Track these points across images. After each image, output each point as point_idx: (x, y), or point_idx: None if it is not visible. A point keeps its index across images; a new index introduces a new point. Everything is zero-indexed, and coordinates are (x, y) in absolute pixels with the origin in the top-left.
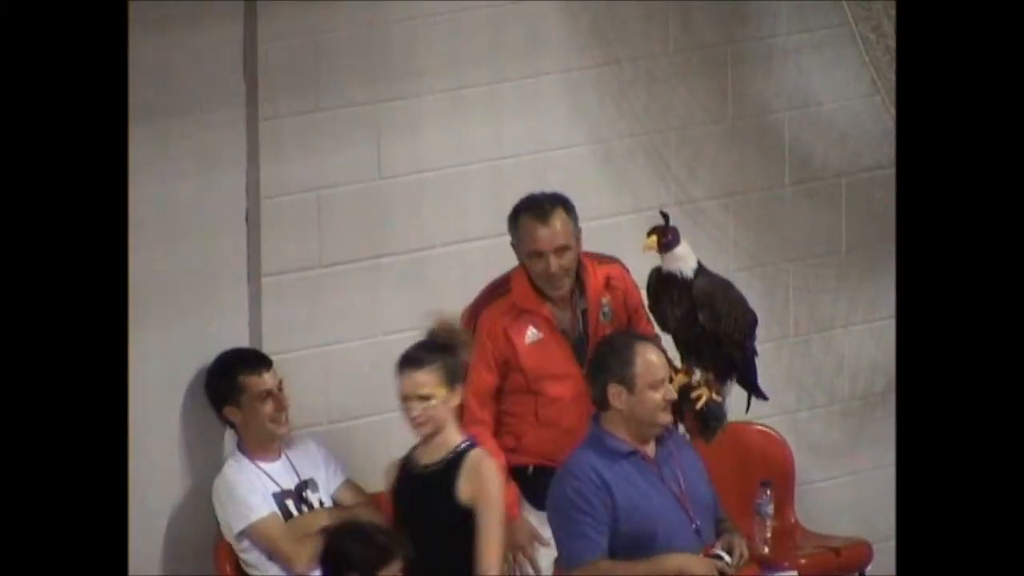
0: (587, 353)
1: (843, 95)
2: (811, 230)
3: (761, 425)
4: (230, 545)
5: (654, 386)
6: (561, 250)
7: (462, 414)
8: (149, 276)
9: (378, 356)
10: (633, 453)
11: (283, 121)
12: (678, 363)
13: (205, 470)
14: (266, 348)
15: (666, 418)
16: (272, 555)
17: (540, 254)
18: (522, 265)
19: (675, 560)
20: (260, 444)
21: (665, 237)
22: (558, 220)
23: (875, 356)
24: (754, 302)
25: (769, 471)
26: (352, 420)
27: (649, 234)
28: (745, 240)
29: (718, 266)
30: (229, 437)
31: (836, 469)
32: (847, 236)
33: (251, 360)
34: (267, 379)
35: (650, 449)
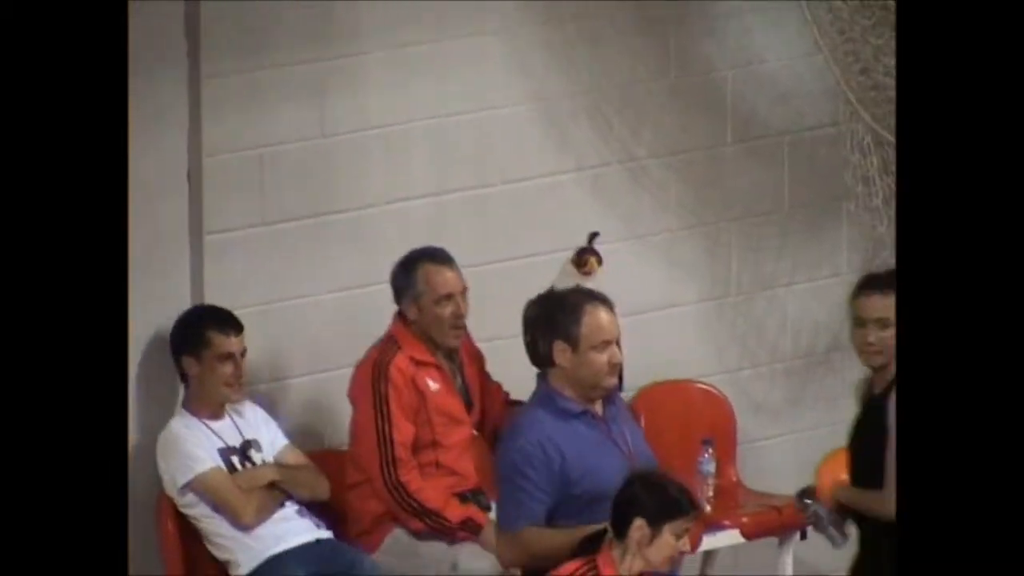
0: (472, 399)
1: (786, 54)
2: (754, 189)
3: (703, 384)
4: (173, 502)
5: (598, 347)
6: (464, 293)
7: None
8: None
9: (321, 314)
10: (584, 413)
11: (226, 79)
12: None
13: (149, 430)
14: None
15: (610, 381)
16: (217, 507)
17: (450, 297)
18: (400, 322)
19: (590, 531)
20: (207, 403)
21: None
22: (454, 265)
23: (818, 315)
24: (697, 261)
25: (711, 430)
26: (294, 378)
27: (585, 258)
28: (688, 199)
29: (660, 225)
30: (176, 395)
31: (778, 428)
32: (790, 195)
33: (223, 319)
34: (233, 342)
35: (599, 407)
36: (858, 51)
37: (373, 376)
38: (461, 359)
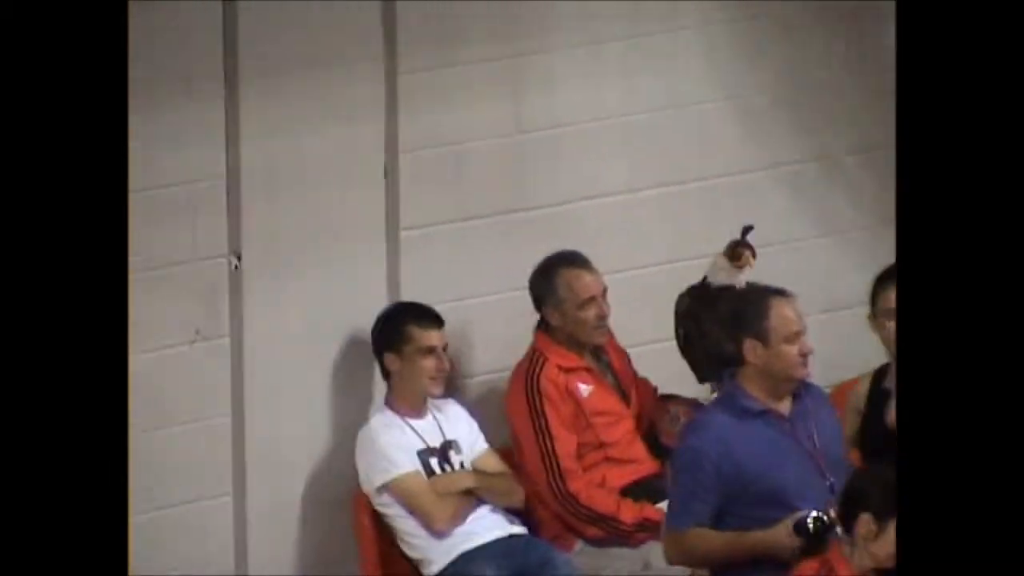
0: (627, 392)
1: None
2: None
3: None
4: (368, 498)
5: (789, 339)
6: (604, 293)
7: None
8: (288, 230)
9: (515, 311)
10: (765, 412)
11: (422, 75)
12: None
13: (346, 425)
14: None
15: (802, 372)
16: (411, 511)
17: (592, 300)
18: (542, 333)
19: (755, 537)
20: (409, 399)
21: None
22: (592, 267)
23: None
24: (893, 257)
25: None
26: (489, 375)
27: (739, 251)
28: (884, 196)
29: (857, 222)
30: (378, 390)
31: None
32: None
33: (424, 314)
34: (435, 336)
35: (784, 406)
36: None
37: (527, 392)
38: (608, 356)
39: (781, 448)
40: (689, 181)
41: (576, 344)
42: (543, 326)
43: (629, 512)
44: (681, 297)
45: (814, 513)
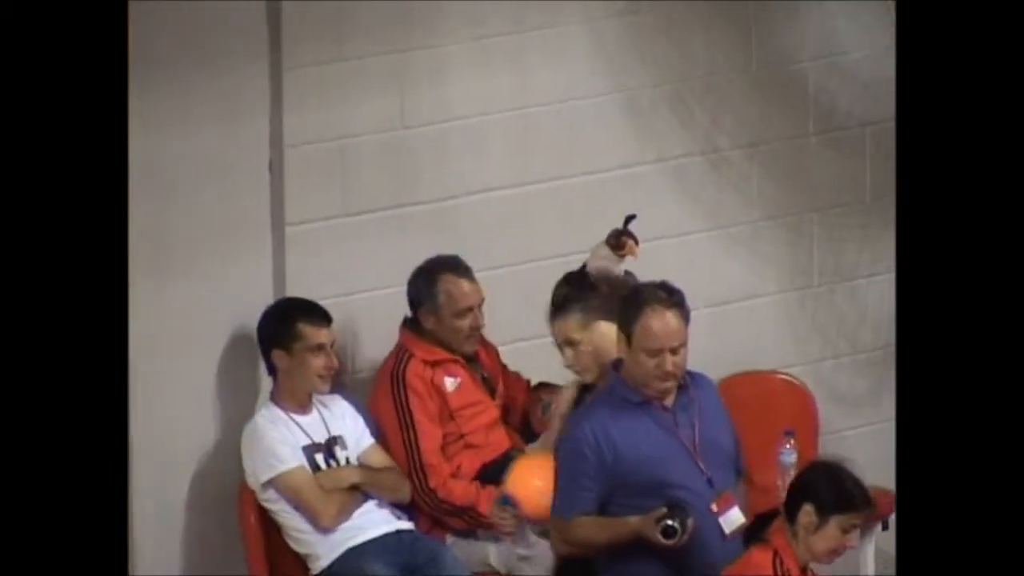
0: (493, 384)
1: (868, 44)
2: (836, 180)
3: (785, 375)
4: (254, 494)
5: (650, 353)
6: (481, 304)
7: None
8: (173, 227)
9: (401, 306)
10: (645, 403)
11: (307, 71)
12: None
13: (232, 421)
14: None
15: (660, 386)
16: (297, 507)
17: (470, 310)
18: (408, 331)
19: (632, 524)
20: (296, 396)
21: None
22: (472, 276)
23: None
24: (779, 252)
25: (792, 421)
26: (374, 370)
27: (623, 240)
28: (770, 190)
29: (742, 216)
30: (263, 386)
31: (859, 419)
32: (871, 186)
33: (314, 311)
34: (324, 333)
35: (669, 398)
36: None
37: (392, 387)
38: (477, 351)
39: (660, 439)
40: (576, 175)
41: (445, 347)
42: (411, 324)
43: (487, 502)
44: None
45: (668, 522)
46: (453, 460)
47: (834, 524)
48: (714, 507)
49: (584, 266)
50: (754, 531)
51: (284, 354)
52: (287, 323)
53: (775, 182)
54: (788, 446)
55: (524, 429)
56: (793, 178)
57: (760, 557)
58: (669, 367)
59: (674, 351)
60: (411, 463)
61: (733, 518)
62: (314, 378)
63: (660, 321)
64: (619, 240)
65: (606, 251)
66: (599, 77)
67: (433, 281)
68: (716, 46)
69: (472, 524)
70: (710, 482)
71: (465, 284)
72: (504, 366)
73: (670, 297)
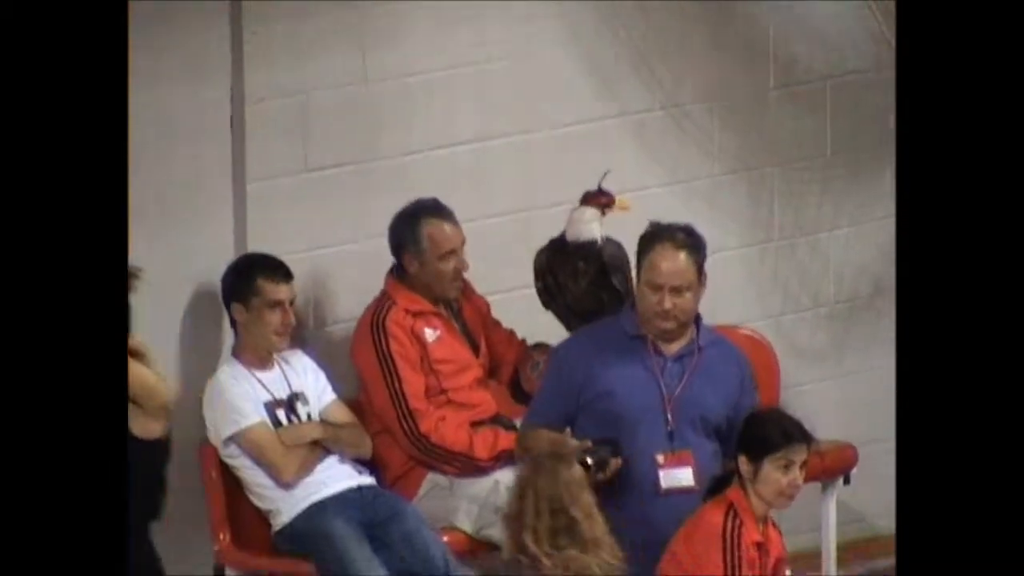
0: (476, 341)
1: None
2: (796, 134)
3: (747, 329)
4: (216, 450)
5: (652, 288)
6: (463, 245)
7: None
8: (135, 185)
9: (365, 261)
10: (639, 339)
11: (268, 27)
12: None
13: (194, 377)
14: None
15: (659, 324)
16: (259, 462)
17: (453, 252)
18: (392, 278)
19: (565, 447)
20: (256, 352)
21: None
22: (455, 219)
23: (861, 259)
24: (740, 206)
25: (756, 375)
26: (337, 324)
27: (609, 198)
28: (730, 145)
29: (703, 170)
30: (226, 343)
31: (821, 373)
32: (832, 139)
33: (274, 267)
34: (283, 290)
35: (672, 345)
36: None
37: (373, 334)
38: (460, 305)
39: (638, 379)
40: (538, 130)
41: (429, 293)
42: (396, 272)
43: (483, 446)
44: (539, 253)
45: (588, 459)
46: (437, 412)
47: (769, 466)
48: (660, 458)
49: (563, 235)
50: (712, 491)
51: (242, 308)
52: (246, 278)
53: (736, 137)
54: None
55: (514, 388)
56: (753, 132)
57: (713, 512)
58: (667, 305)
59: (676, 291)
60: (398, 410)
61: (677, 476)
62: (271, 334)
63: (666, 258)
64: (606, 198)
65: (591, 213)
66: (560, 32)
67: (416, 225)
68: (676, 1)
69: (464, 470)
70: (671, 436)
71: (447, 227)
72: (495, 323)
73: (685, 238)
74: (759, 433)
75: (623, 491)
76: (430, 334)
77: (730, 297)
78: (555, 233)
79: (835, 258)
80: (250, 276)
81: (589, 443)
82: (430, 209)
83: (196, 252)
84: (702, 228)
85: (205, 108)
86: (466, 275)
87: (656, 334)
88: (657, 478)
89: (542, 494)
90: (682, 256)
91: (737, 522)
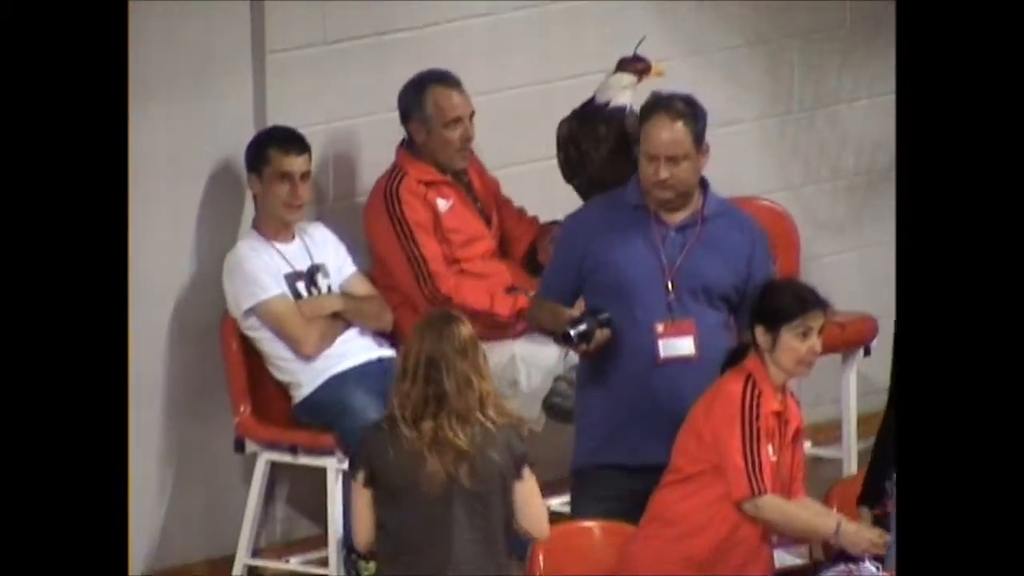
0: (488, 214)
1: None
2: (815, 5)
3: (767, 200)
4: (236, 322)
5: (648, 158)
6: (472, 116)
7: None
8: (153, 56)
9: (383, 133)
10: (642, 210)
11: None
12: None
13: (215, 250)
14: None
15: (657, 195)
16: (279, 335)
17: (459, 120)
18: (404, 151)
19: (559, 317)
20: (273, 224)
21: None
22: (462, 88)
23: (879, 132)
24: (759, 78)
25: (774, 245)
26: (357, 197)
27: (645, 64)
28: (749, 16)
29: (721, 42)
30: (247, 215)
31: (841, 244)
32: (851, 10)
33: (287, 139)
34: (294, 162)
35: (675, 215)
36: None
37: (387, 203)
38: (470, 178)
39: (639, 249)
40: (553, 1)
41: (437, 164)
42: (406, 144)
43: (504, 305)
44: (562, 123)
45: (568, 328)
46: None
47: (787, 335)
48: (659, 328)
49: (593, 98)
50: (729, 363)
51: (256, 179)
52: (260, 148)
53: (755, 7)
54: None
55: (528, 263)
56: (772, 3)
57: (732, 382)
58: (664, 175)
59: (672, 160)
60: (418, 273)
61: (677, 345)
62: (279, 205)
63: (662, 128)
64: (642, 64)
65: (628, 79)
66: None
67: (422, 92)
68: None
69: (490, 328)
70: (671, 306)
71: (455, 95)
72: (506, 200)
73: (683, 107)
74: (775, 302)
75: (623, 360)
76: (442, 204)
77: (749, 169)
78: (571, 106)
79: (854, 130)
80: (263, 146)
81: (575, 314)
82: (437, 77)
83: (216, 124)
84: (721, 99)
85: None
86: (481, 147)
87: (657, 204)
88: (656, 347)
89: (420, 358)
90: (678, 126)
91: (756, 391)
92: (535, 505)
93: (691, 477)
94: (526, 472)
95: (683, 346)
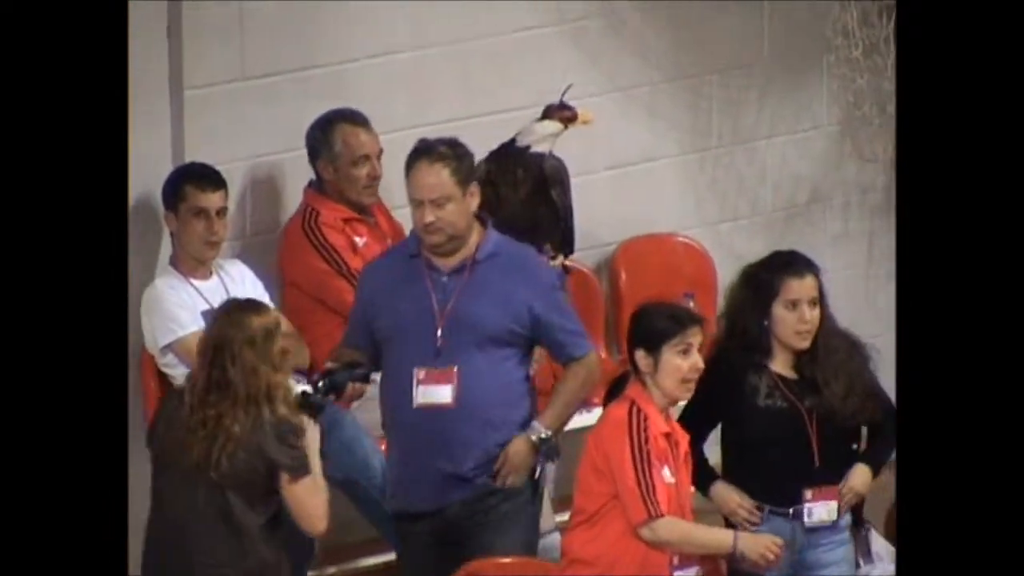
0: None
1: None
2: (734, 41)
3: (684, 237)
4: (154, 358)
5: (413, 203)
6: (379, 155)
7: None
8: None
9: (303, 169)
10: (416, 256)
11: None
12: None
13: (134, 287)
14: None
15: (426, 240)
16: None
17: (367, 158)
18: (311, 191)
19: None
20: (190, 261)
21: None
22: (370, 126)
23: (798, 168)
24: (678, 114)
25: (692, 283)
26: (275, 233)
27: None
28: (668, 52)
29: (641, 78)
30: (164, 252)
31: None
32: (769, 47)
33: (204, 176)
34: (210, 198)
35: (448, 260)
36: None
37: (307, 235)
38: (376, 219)
39: (412, 296)
40: (474, 39)
41: (347, 202)
42: (314, 184)
43: None
44: (479, 163)
45: (319, 382)
46: None
47: (668, 354)
48: (420, 374)
49: (513, 140)
50: (610, 396)
51: (173, 216)
52: (176, 185)
53: (674, 43)
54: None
55: None
56: (692, 39)
57: (616, 410)
58: (428, 218)
59: (436, 203)
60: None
61: (434, 393)
62: (197, 242)
63: (423, 172)
64: (569, 112)
65: (554, 127)
66: None
67: (330, 130)
68: None
69: None
70: (438, 352)
71: (362, 133)
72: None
73: (445, 151)
74: (652, 324)
75: (392, 407)
76: (359, 240)
77: (668, 205)
78: (492, 144)
79: (772, 166)
80: (179, 184)
81: (331, 365)
82: (344, 115)
83: (134, 160)
84: (640, 135)
85: (141, 15)
86: (400, 185)
87: (430, 249)
88: (415, 394)
89: (208, 343)
90: (438, 168)
91: (642, 415)
92: (307, 505)
93: (593, 516)
94: (301, 473)
95: (440, 393)
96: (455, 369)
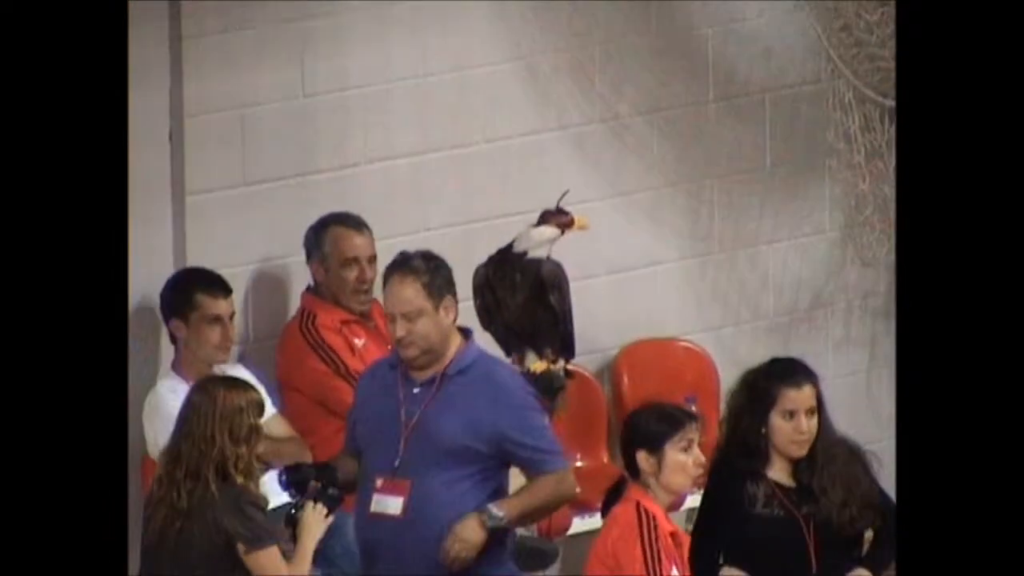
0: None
1: (767, 10)
2: (736, 146)
3: (686, 341)
4: (156, 464)
5: (388, 317)
6: (372, 259)
7: None
8: None
9: (303, 276)
10: (395, 367)
11: (206, 39)
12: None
13: (134, 391)
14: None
15: (400, 352)
16: None
17: (355, 260)
18: (308, 295)
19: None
20: (196, 366)
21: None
22: (365, 231)
23: (800, 272)
24: (679, 219)
25: (694, 387)
26: (276, 338)
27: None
28: (670, 157)
29: (642, 183)
30: (165, 357)
31: None
32: (771, 152)
33: (212, 282)
34: (222, 305)
35: (422, 373)
36: (839, 7)
37: (306, 337)
38: (376, 322)
39: (385, 406)
40: (476, 144)
41: (341, 305)
42: (311, 289)
43: None
44: (478, 269)
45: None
46: None
47: (671, 452)
48: (378, 483)
49: (511, 245)
50: (610, 501)
51: (182, 324)
52: (185, 293)
53: (675, 149)
54: None
55: None
56: (693, 145)
57: (623, 512)
58: (400, 332)
59: (407, 317)
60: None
61: (387, 503)
62: (210, 349)
63: (395, 285)
64: (566, 218)
65: (551, 232)
66: (498, 44)
67: (323, 231)
68: (616, 11)
69: None
70: (401, 463)
71: (355, 236)
72: None
73: (418, 264)
74: (651, 426)
75: (355, 511)
76: (357, 342)
77: (670, 309)
78: (493, 247)
79: (774, 271)
80: (189, 291)
81: (299, 463)
82: (340, 219)
83: (135, 265)
84: (642, 240)
85: (143, 121)
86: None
87: (406, 362)
88: (371, 501)
89: (179, 415)
90: (410, 282)
91: (650, 515)
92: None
93: None
94: (258, 545)
95: (392, 504)
96: (409, 482)
